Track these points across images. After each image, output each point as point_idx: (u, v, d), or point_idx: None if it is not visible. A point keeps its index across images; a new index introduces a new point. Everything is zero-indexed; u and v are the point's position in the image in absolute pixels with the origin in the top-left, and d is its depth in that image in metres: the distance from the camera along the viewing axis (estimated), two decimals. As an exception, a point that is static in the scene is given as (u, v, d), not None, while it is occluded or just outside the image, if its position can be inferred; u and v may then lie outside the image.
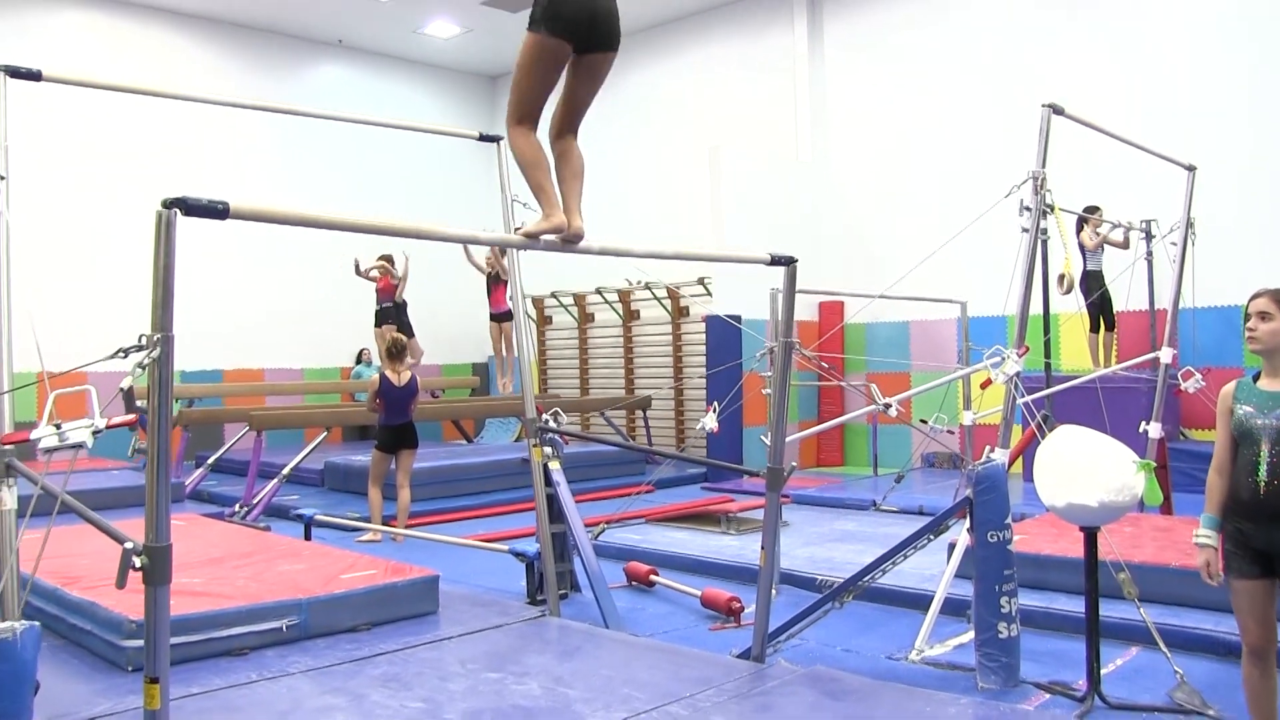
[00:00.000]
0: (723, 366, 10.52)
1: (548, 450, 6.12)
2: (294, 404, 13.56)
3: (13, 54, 12.65)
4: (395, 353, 8.65)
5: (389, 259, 12.46)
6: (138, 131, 13.60)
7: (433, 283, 14.46)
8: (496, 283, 12.27)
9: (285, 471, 9.60)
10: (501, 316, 12.48)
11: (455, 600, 5.51)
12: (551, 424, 5.89)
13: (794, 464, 4.71)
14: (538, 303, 15.98)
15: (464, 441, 14.70)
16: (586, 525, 7.85)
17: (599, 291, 14.85)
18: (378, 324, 12.30)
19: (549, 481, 6.09)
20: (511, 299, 6.40)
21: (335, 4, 14.22)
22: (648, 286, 14.02)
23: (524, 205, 5.65)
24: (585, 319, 15.44)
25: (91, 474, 10.48)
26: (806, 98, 13.17)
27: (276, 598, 4.78)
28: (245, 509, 9.28)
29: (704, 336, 12.78)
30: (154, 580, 2.71)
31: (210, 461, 10.82)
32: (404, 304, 12.44)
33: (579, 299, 15.35)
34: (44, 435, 2.93)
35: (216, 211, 2.70)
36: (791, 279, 4.56)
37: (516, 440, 14.71)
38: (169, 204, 2.62)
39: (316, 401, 13.98)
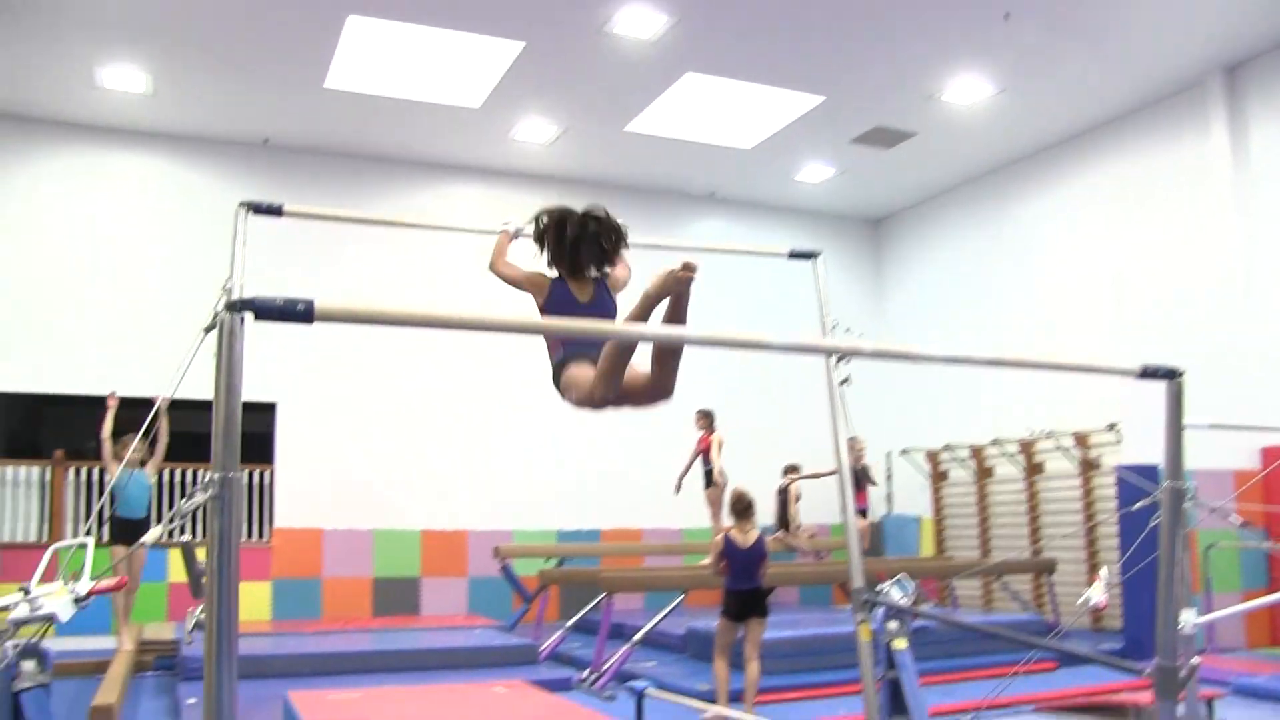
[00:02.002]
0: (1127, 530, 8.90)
1: (892, 626, 5.10)
2: (671, 565, 13.06)
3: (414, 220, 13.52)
4: (741, 510, 7.87)
5: (705, 414, 11.36)
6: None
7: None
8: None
9: (636, 637, 8.99)
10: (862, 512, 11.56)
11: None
12: (892, 595, 4.86)
13: (1196, 660, 3.48)
14: (931, 457, 14.77)
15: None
16: (957, 712, 6.63)
17: (997, 443, 13.45)
18: (706, 486, 11.21)
19: (892, 663, 5.05)
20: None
21: (706, 161, 14.09)
22: (1051, 435, 12.51)
23: (846, 330, 4.90)
24: (984, 474, 14.02)
25: (452, 632, 10.37)
26: (1231, 211, 11.34)
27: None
28: (594, 675, 8.72)
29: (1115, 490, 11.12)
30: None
31: (570, 623, 10.43)
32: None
33: (976, 451, 13.99)
34: (12, 604, 2.34)
35: (297, 314, 2.09)
36: (1176, 399, 3.41)
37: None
38: (236, 306, 2.05)
39: (694, 562, 13.41)
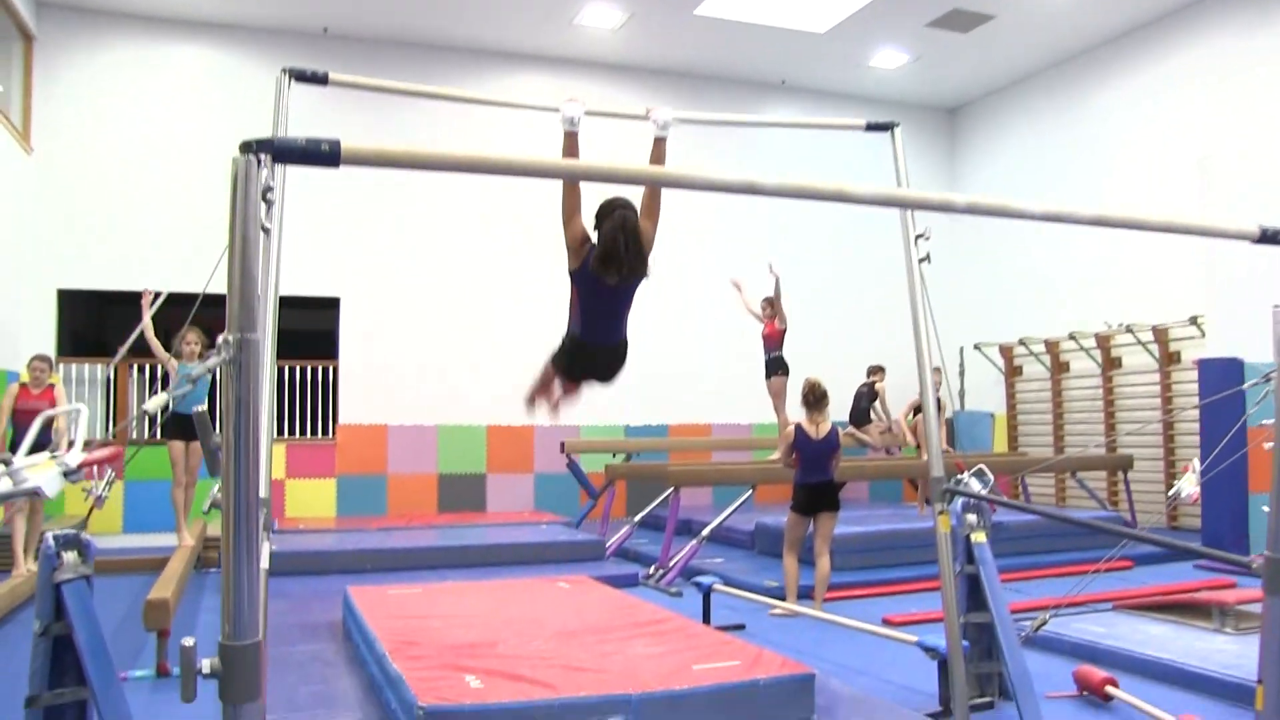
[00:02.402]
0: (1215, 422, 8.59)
1: (971, 519, 4.90)
2: (739, 460, 12.92)
3: (466, 118, 13.28)
4: (814, 401, 7.64)
5: (770, 300, 10.68)
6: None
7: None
8: None
9: (704, 533, 8.89)
10: None
11: (841, 704, 4.40)
12: (971, 485, 4.64)
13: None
14: (1006, 351, 14.41)
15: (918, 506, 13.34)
16: (1033, 610, 6.46)
17: (1073, 337, 13.07)
18: (768, 376, 10.56)
19: (971, 557, 4.86)
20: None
21: (778, 47, 13.57)
22: (1129, 329, 12.11)
23: (925, 238, 4.62)
24: (1059, 368, 13.65)
25: (518, 528, 10.35)
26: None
27: (604, 691, 3.91)
28: (661, 571, 8.64)
29: (1196, 385, 10.76)
30: (232, 696, 1.79)
31: (637, 519, 10.35)
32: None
33: (1051, 346, 13.60)
34: (-12, 476, 2.17)
35: (321, 155, 1.88)
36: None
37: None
38: (251, 147, 1.84)
39: (762, 457, 13.27)
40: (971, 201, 2.87)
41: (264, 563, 3.56)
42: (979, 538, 4.85)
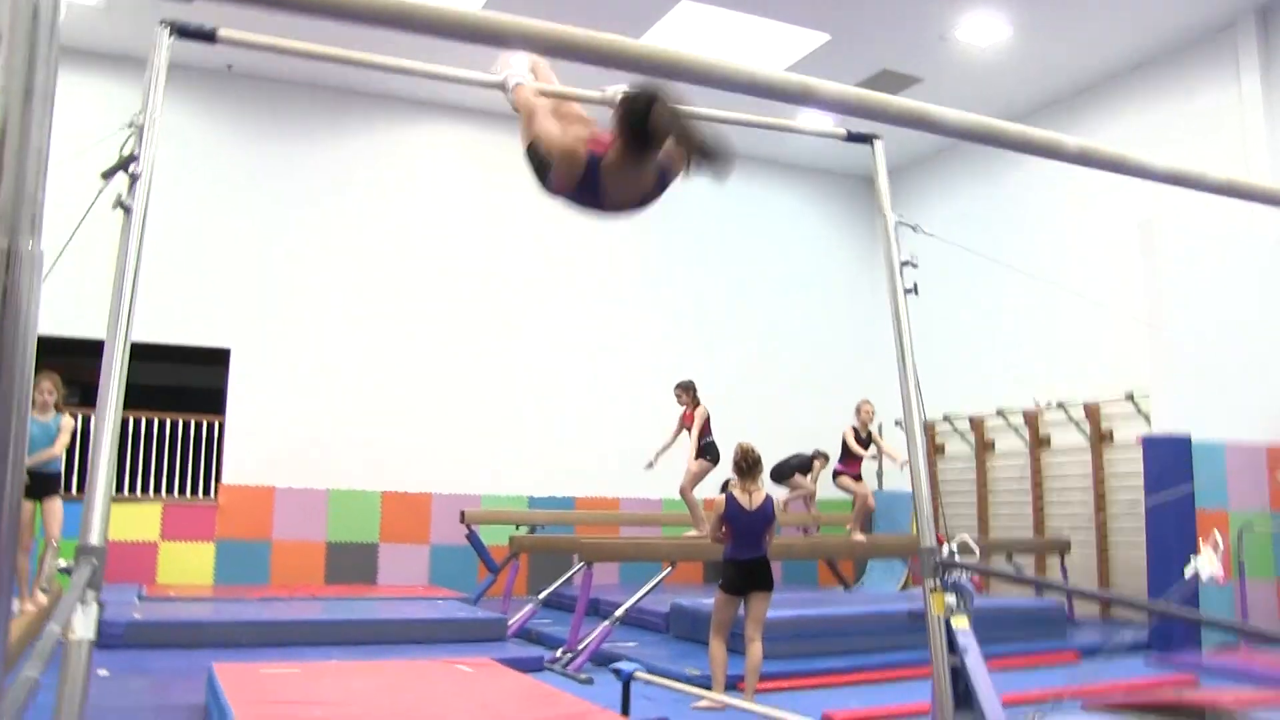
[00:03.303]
0: (1166, 495, 8.11)
1: (950, 600, 4.19)
2: (650, 536, 12.13)
3: (392, 161, 12.53)
4: (746, 467, 6.94)
5: (685, 387, 9.92)
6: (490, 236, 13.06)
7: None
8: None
9: (617, 614, 8.05)
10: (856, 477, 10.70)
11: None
12: (959, 559, 3.96)
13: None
14: (928, 428, 13.90)
15: (840, 587, 12.68)
16: (1020, 702, 5.74)
17: (1001, 413, 12.61)
18: (696, 458, 9.73)
19: (953, 646, 4.13)
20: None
21: (699, 107, 13.03)
22: (1061, 406, 11.68)
23: (913, 265, 4.06)
24: (984, 447, 13.17)
25: (412, 603, 9.44)
26: (1265, 158, 10.45)
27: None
28: (569, 655, 7.78)
29: (1136, 466, 10.31)
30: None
31: (542, 596, 9.48)
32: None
33: (976, 423, 13.13)
34: None
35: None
36: None
37: (903, 588, 12.62)
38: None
39: (674, 534, 12.50)
40: (1083, 147, 2.24)
41: (85, 632, 2.74)
42: (961, 623, 4.14)
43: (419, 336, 12.62)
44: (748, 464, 6.93)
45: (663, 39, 11.15)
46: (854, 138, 4.71)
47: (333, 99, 12.66)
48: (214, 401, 11.87)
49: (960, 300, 12.95)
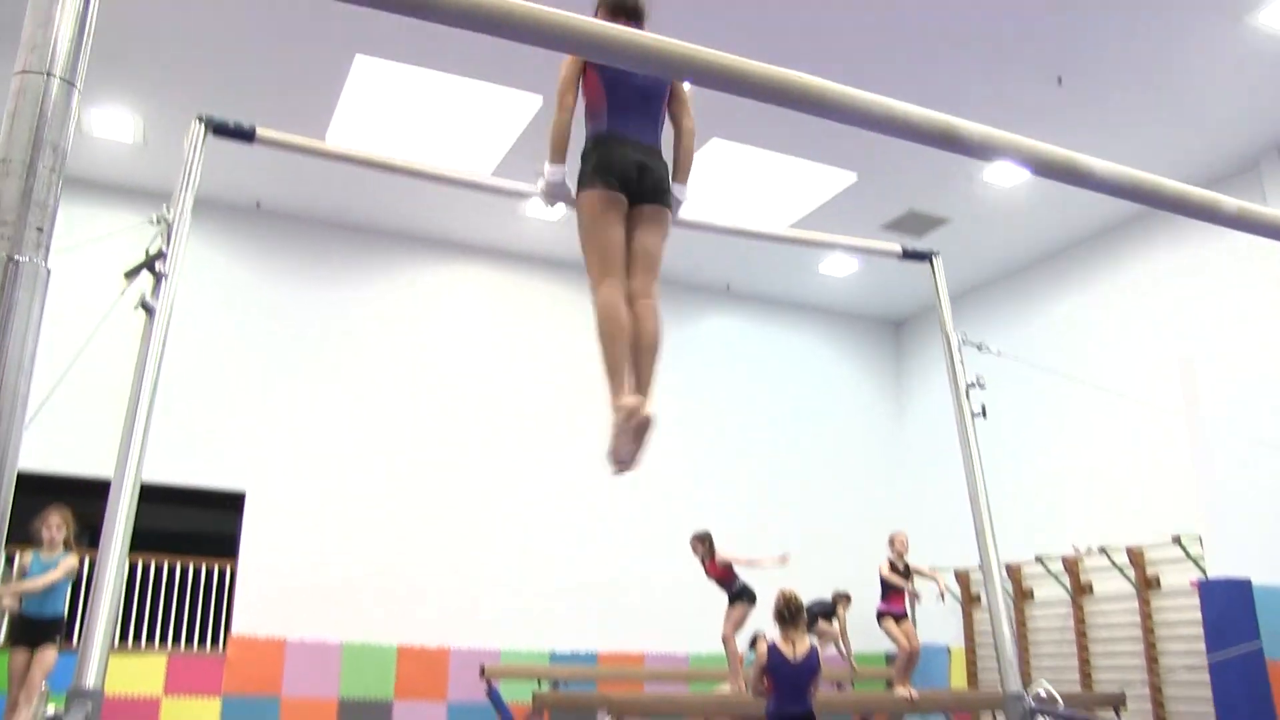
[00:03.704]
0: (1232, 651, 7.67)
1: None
2: (678, 693, 11.62)
3: (414, 301, 12.48)
4: (789, 616, 6.60)
5: (701, 538, 9.65)
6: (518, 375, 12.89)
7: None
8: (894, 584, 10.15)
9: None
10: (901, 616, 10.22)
11: None
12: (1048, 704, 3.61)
13: None
14: (961, 578, 13.45)
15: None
16: None
17: (1039, 560, 12.17)
18: (730, 604, 9.49)
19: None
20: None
21: (726, 248, 13.04)
22: (1103, 551, 11.26)
23: (979, 387, 3.82)
24: (1023, 595, 12.69)
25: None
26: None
27: None
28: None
29: (1189, 614, 9.89)
30: None
31: (570, 754, 9.00)
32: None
33: (1014, 571, 12.67)
34: None
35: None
36: None
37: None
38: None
39: (702, 689, 11.97)
40: (1241, 208, 2.03)
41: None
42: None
43: (438, 482, 12.34)
44: (790, 611, 6.60)
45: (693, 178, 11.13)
46: (910, 255, 4.50)
47: (356, 238, 12.68)
48: (226, 546, 11.51)
49: (992, 443, 12.63)
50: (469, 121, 10.17)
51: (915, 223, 12.17)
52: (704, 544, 9.50)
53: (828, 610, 11.52)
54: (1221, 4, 8.43)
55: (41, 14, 1.31)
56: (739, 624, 9.27)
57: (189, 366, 11.07)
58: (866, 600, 10.85)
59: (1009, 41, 8.94)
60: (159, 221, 2.90)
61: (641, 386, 3.65)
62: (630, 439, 3.49)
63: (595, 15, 3.56)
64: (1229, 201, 1.83)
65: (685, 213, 11.63)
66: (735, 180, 11.30)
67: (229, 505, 11.52)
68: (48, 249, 1.27)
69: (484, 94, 9.73)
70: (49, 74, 1.29)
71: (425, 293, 12.96)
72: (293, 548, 11.45)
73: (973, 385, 3.77)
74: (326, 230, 12.56)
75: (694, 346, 14.10)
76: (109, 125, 10.32)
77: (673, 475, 13.05)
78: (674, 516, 12.41)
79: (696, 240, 12.64)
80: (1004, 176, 11.13)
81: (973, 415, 3.73)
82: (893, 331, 15.78)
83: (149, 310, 2.79)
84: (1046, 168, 1.95)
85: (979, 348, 3.81)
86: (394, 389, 12.41)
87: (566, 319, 13.06)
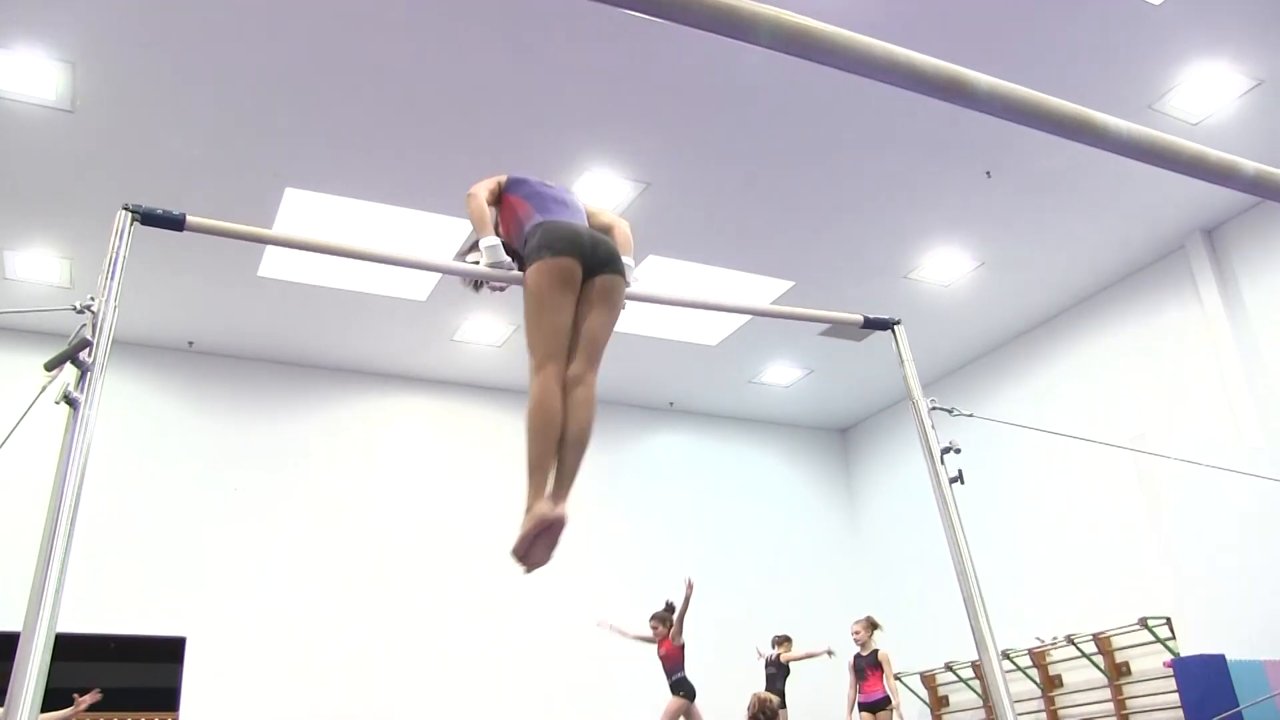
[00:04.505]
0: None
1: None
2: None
3: (352, 435, 12.22)
4: None
5: (661, 617, 9.63)
6: (457, 501, 12.60)
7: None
8: (866, 667, 9.99)
9: None
10: (875, 705, 9.99)
11: None
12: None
13: None
14: (928, 680, 13.21)
15: None
16: None
17: (1007, 656, 11.94)
18: (673, 693, 9.28)
19: None
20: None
21: (668, 363, 13.03)
22: (1070, 640, 11.11)
23: (955, 451, 3.74)
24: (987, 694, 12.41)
25: None
26: (1237, 367, 10.41)
27: None
28: None
29: (1164, 698, 9.75)
30: None
31: None
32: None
33: (979, 669, 12.45)
34: None
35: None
36: None
37: None
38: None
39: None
40: (1259, 171, 1.96)
41: None
42: None
43: (392, 620, 11.83)
44: (768, 714, 6.37)
45: (643, 286, 11.11)
46: (871, 324, 4.46)
47: (290, 373, 12.43)
48: (166, 699, 10.81)
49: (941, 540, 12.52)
50: (401, 248, 10.10)
51: (853, 327, 12.17)
52: (664, 624, 9.37)
53: (783, 668, 11.16)
54: (1128, 95, 8.69)
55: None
56: (674, 718, 9.00)
57: (121, 508, 10.74)
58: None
59: (942, 139, 9.12)
60: (83, 310, 2.74)
61: (563, 484, 3.42)
62: (544, 544, 3.29)
63: None
64: (1116, 122, 1.76)
65: (630, 324, 11.54)
66: (672, 294, 11.30)
67: (168, 655, 10.90)
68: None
69: (414, 221, 9.71)
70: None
71: (363, 425, 12.70)
72: (237, 697, 10.87)
73: (948, 450, 3.65)
74: (260, 367, 12.32)
75: (638, 464, 13.99)
76: (30, 267, 10.10)
77: (622, 595, 12.72)
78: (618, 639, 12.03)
79: (638, 358, 12.64)
80: (940, 272, 11.26)
81: (950, 481, 3.60)
82: (839, 439, 15.77)
83: (72, 403, 2.60)
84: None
85: (950, 412, 3.72)
86: (335, 525, 12.03)
87: (507, 445, 12.86)
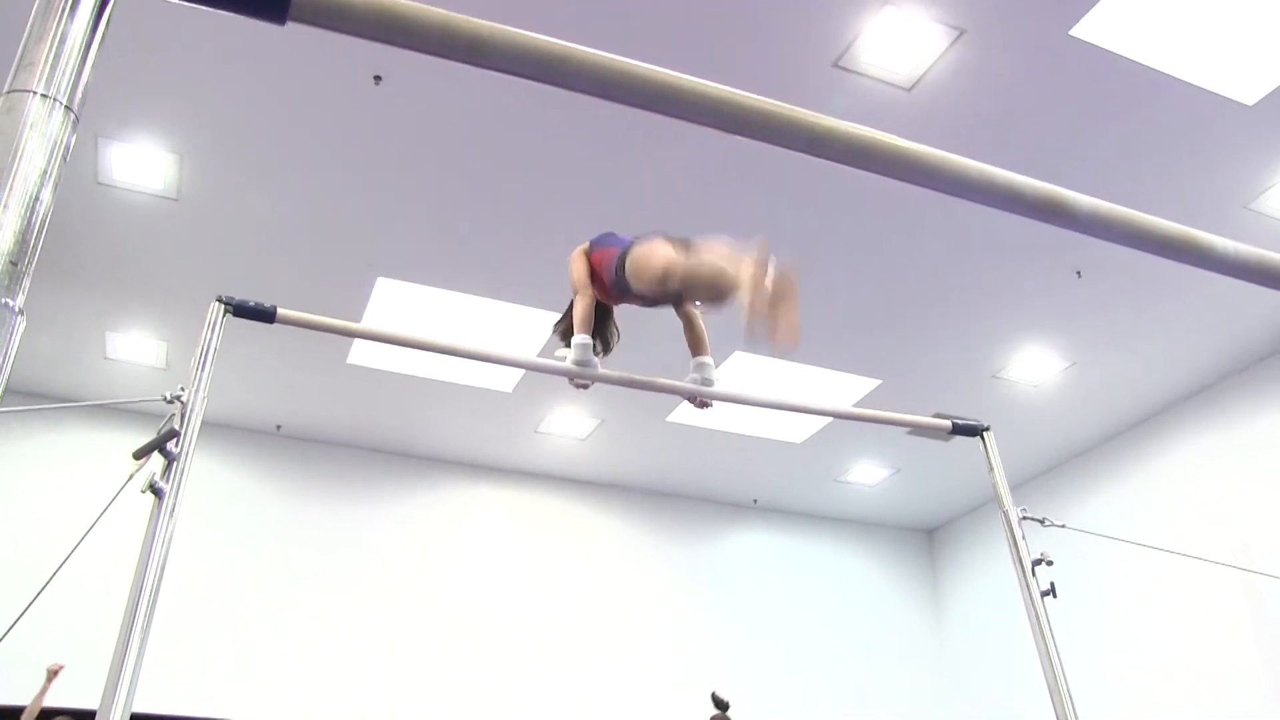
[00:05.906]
0: None
1: None
2: None
3: (434, 524, 12.22)
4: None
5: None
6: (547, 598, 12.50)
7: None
8: None
9: None
10: None
11: None
12: None
13: None
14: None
15: None
16: None
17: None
18: None
19: None
20: None
21: (752, 460, 12.90)
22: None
23: (1046, 563, 3.62)
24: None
25: None
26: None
27: None
28: None
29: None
30: None
31: None
32: None
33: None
34: None
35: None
36: None
37: None
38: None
39: None
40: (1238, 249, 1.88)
41: None
42: None
43: (470, 713, 11.76)
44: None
45: (728, 383, 11.06)
46: (960, 430, 4.37)
47: (374, 460, 12.54)
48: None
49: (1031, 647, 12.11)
50: (489, 340, 10.18)
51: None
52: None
53: None
54: (1223, 196, 8.51)
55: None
56: None
57: (203, 587, 10.79)
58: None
59: (1032, 238, 8.98)
60: (173, 400, 2.78)
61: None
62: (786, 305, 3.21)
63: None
64: (1223, 242, 1.70)
65: (715, 420, 11.47)
66: (757, 391, 11.22)
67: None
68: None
69: (502, 313, 9.80)
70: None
71: (445, 514, 12.72)
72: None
73: (1039, 561, 3.53)
74: (346, 452, 12.45)
75: (721, 561, 13.82)
76: (129, 348, 10.39)
77: (700, 694, 12.46)
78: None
79: (722, 454, 12.56)
80: (1030, 372, 11.05)
81: (1041, 594, 3.48)
82: (925, 539, 15.43)
83: (158, 493, 2.62)
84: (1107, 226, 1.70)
85: (1042, 522, 3.60)
86: (413, 612, 11.98)
87: (589, 537, 12.85)
